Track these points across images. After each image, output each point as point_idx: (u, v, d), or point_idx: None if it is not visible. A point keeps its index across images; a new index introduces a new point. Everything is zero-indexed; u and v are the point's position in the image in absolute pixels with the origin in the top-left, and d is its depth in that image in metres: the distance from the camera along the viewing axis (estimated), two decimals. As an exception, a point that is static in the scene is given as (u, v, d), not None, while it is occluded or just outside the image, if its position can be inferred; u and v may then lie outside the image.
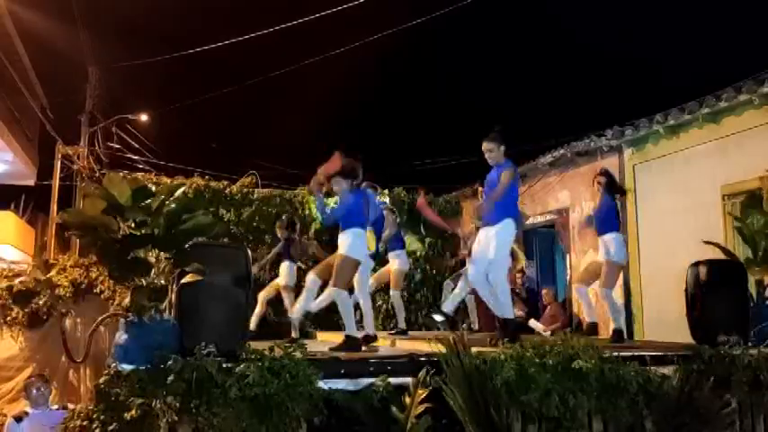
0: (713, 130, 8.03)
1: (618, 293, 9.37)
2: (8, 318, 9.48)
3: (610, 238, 6.74)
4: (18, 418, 6.08)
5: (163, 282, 3.85)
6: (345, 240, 5.83)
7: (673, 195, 8.57)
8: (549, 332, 9.04)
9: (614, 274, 6.90)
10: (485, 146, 5.91)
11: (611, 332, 6.72)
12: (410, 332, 8.37)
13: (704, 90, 8.10)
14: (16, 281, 3.40)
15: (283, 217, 9.21)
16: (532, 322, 9.88)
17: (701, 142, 8.20)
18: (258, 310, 8.39)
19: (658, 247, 8.75)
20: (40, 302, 8.79)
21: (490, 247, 5.62)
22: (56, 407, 6.34)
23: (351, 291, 6.22)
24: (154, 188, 4.07)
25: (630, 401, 4.27)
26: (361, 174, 6.16)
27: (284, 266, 8.58)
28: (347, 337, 5.61)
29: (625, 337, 6.90)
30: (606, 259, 6.75)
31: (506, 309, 5.66)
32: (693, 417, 4.34)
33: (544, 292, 10.51)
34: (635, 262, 9.15)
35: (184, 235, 3.86)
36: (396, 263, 8.32)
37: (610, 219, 6.83)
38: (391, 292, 8.34)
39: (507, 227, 5.68)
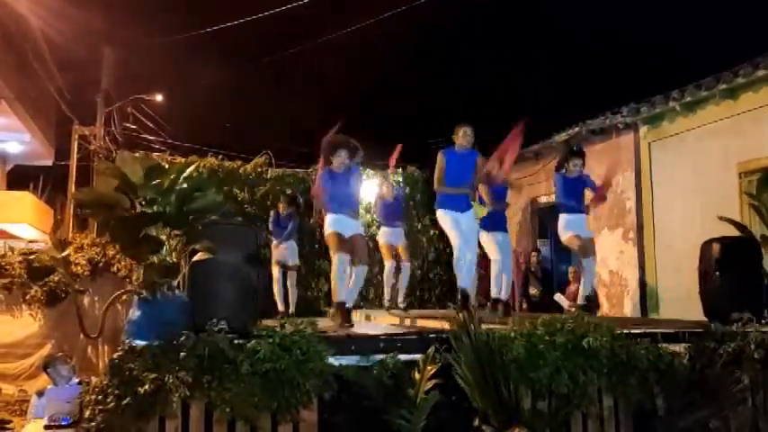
0: (730, 107, 7.93)
1: (632, 270, 9.36)
2: (27, 296, 9.66)
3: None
4: (40, 393, 6.27)
5: (174, 259, 3.89)
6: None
7: (688, 173, 8.49)
8: (574, 308, 9.02)
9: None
10: (468, 129, 6.23)
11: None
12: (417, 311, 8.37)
13: (721, 66, 7.99)
14: (32, 257, 3.48)
15: (287, 192, 9.25)
16: (558, 296, 9.86)
17: (718, 119, 8.10)
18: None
19: (673, 224, 8.69)
20: (56, 279, 8.95)
21: None
22: (76, 380, 6.48)
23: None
24: (167, 166, 4.11)
25: (641, 378, 4.27)
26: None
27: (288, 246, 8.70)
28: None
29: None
30: None
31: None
32: (704, 394, 4.33)
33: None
34: (650, 240, 9.12)
35: (195, 213, 3.89)
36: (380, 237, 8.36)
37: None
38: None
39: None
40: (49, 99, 14.79)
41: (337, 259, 5.76)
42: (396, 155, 8.34)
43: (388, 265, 8.22)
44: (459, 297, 5.96)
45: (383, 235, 8.26)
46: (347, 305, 5.78)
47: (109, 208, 3.75)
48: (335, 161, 6.06)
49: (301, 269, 8.88)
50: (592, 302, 6.94)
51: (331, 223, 5.91)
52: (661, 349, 4.40)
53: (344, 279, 5.81)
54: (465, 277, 5.99)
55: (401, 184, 11.59)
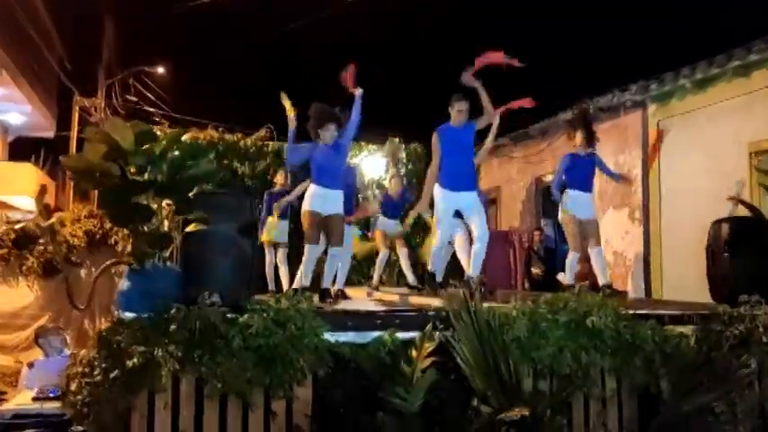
0: (742, 85, 7.73)
1: (637, 251, 9.22)
2: (23, 267, 9.56)
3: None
4: (30, 365, 6.22)
5: (166, 229, 3.76)
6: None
7: (697, 152, 8.32)
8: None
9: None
10: (463, 105, 6.01)
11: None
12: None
13: (733, 42, 7.77)
14: (16, 226, 3.40)
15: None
16: (561, 276, 9.73)
17: (729, 97, 7.91)
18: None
19: (681, 205, 8.53)
20: (51, 250, 8.86)
21: None
22: (68, 352, 6.41)
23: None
24: (159, 133, 3.97)
25: (646, 360, 4.16)
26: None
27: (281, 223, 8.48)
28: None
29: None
30: None
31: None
32: (711, 377, 4.22)
33: None
34: (656, 220, 8.97)
35: (188, 182, 3.75)
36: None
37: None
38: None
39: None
40: (50, 70, 14.65)
41: (307, 249, 5.80)
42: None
43: (382, 253, 8.17)
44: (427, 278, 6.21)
45: (380, 224, 8.18)
46: (325, 285, 5.79)
47: (98, 175, 3.61)
48: (325, 135, 5.89)
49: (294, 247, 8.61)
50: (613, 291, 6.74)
51: (310, 199, 5.81)
52: (667, 331, 4.28)
53: (311, 266, 5.82)
54: (436, 265, 6.33)
55: (405, 160, 11.46)
